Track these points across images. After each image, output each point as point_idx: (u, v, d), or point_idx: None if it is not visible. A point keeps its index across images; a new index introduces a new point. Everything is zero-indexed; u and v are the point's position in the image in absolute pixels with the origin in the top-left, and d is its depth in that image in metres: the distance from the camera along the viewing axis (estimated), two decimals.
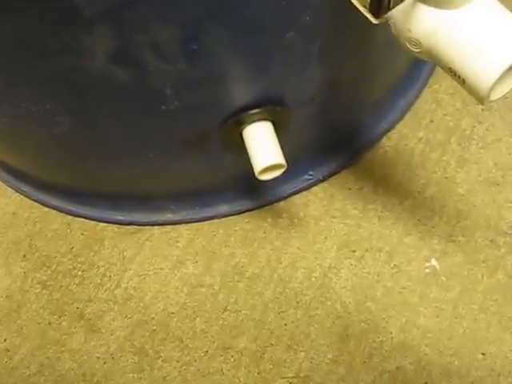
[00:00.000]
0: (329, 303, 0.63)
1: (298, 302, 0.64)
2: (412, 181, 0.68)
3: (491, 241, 0.65)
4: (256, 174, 0.51)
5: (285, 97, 0.51)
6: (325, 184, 0.69)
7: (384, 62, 0.58)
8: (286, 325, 0.63)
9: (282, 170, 0.52)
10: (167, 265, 0.67)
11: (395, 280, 0.64)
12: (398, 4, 0.35)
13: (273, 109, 0.50)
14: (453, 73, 0.37)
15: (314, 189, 0.68)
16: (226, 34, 0.41)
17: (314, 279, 0.64)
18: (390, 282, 0.64)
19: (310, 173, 0.67)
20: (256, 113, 0.50)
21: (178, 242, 0.68)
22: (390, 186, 0.68)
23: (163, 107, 0.46)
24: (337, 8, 0.44)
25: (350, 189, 0.68)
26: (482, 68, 0.35)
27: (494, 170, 0.68)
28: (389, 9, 0.34)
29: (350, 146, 0.68)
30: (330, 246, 0.66)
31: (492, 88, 0.35)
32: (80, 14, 0.37)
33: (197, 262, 0.67)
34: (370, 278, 0.64)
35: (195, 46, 0.41)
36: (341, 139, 0.67)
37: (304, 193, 0.68)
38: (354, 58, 0.52)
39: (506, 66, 0.35)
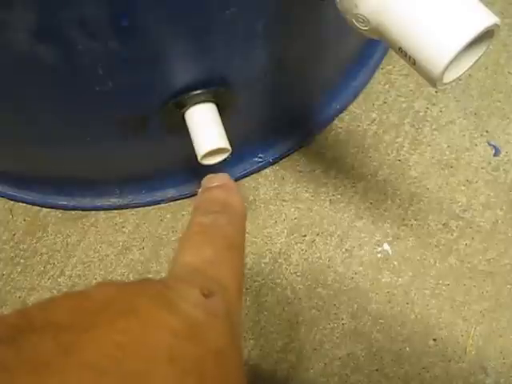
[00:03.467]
0: (279, 289, 0.62)
1: (247, 289, 0.62)
2: (364, 163, 0.66)
3: (444, 224, 0.64)
4: (199, 158, 0.48)
5: (228, 77, 0.48)
6: (275, 166, 0.67)
7: (334, 41, 0.56)
8: None
9: (226, 155, 0.50)
10: (113, 251, 0.65)
11: (346, 265, 0.62)
12: None
13: (216, 90, 0.48)
14: (403, 53, 0.35)
15: (265, 171, 0.67)
16: (159, 10, 0.39)
17: (263, 265, 0.63)
18: (341, 267, 0.62)
19: (260, 155, 0.65)
20: (197, 94, 0.48)
21: (123, 227, 0.66)
22: (342, 169, 0.66)
23: (96, 88, 0.44)
24: None
25: (301, 171, 0.66)
26: (434, 49, 0.33)
27: (447, 153, 0.67)
28: None
29: (301, 128, 0.66)
30: (280, 230, 0.64)
31: (445, 70, 0.33)
32: None
33: (143, 248, 0.64)
34: (321, 263, 0.63)
35: (126, 23, 0.38)
36: (291, 120, 0.64)
37: (254, 175, 0.66)
38: (301, 37, 0.50)
39: (461, 47, 0.32)
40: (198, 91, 0.48)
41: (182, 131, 0.50)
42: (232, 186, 0.38)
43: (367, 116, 0.68)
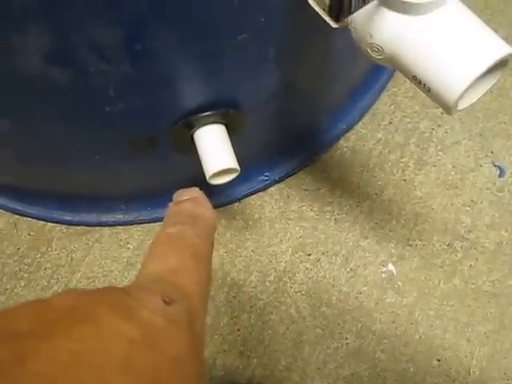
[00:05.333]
0: (283, 308, 0.62)
1: (251, 307, 0.62)
2: (370, 183, 0.67)
3: (448, 245, 0.64)
4: (207, 178, 0.49)
5: (238, 100, 0.48)
6: (281, 185, 0.67)
7: (343, 65, 0.56)
8: (238, 330, 0.61)
9: (235, 175, 0.50)
10: (117, 267, 0.65)
11: (351, 284, 0.62)
12: (359, 8, 0.33)
13: (225, 112, 0.48)
14: (417, 81, 0.35)
15: (270, 190, 0.67)
16: (172, 35, 0.39)
17: (268, 283, 0.63)
18: (345, 286, 0.62)
19: (266, 173, 0.65)
20: (207, 116, 0.48)
21: (128, 243, 0.66)
22: (348, 188, 0.66)
23: (107, 109, 0.44)
24: (293, 10, 0.42)
25: (306, 190, 0.67)
26: (449, 78, 0.33)
27: (452, 173, 0.67)
28: (350, 13, 0.32)
29: (308, 147, 0.66)
30: (285, 249, 0.64)
31: (460, 98, 0.34)
32: (10, 9, 0.35)
33: None
34: (326, 282, 0.63)
35: (139, 47, 0.39)
36: (298, 140, 0.65)
37: (260, 194, 0.67)
38: (311, 61, 0.50)
39: (475, 77, 0.33)
40: (208, 113, 0.48)
41: (190, 151, 0.50)
42: (202, 199, 0.38)
43: (373, 136, 0.69)
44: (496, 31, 0.69)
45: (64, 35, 0.37)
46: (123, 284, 0.64)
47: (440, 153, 0.68)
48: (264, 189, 0.66)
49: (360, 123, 0.69)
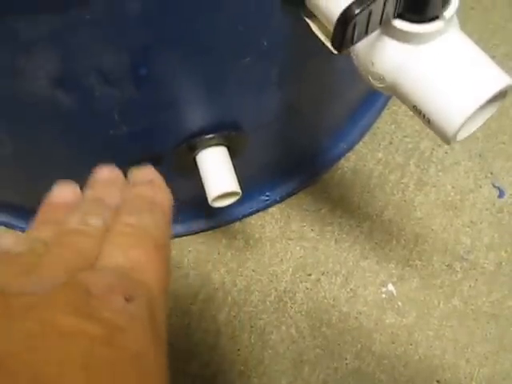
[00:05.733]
0: (283, 328, 0.62)
1: (252, 327, 0.62)
2: (370, 203, 0.67)
3: (448, 265, 0.64)
4: (209, 201, 0.49)
5: (240, 122, 0.49)
6: (282, 205, 0.67)
7: (344, 86, 0.57)
8: (239, 350, 0.61)
9: (236, 198, 0.50)
10: None
11: (351, 305, 0.63)
12: (362, 39, 0.33)
13: (228, 134, 0.49)
14: (417, 111, 0.35)
15: (271, 209, 0.67)
16: (176, 60, 0.40)
17: (268, 303, 0.63)
18: (345, 306, 0.63)
19: (267, 193, 0.65)
20: (210, 138, 0.48)
21: None
22: (348, 208, 0.67)
23: (111, 132, 0.44)
24: (296, 34, 0.42)
25: (307, 210, 0.67)
26: (449, 110, 0.34)
27: (452, 194, 0.67)
28: (352, 43, 0.33)
29: (308, 167, 0.67)
30: (285, 268, 0.64)
31: (459, 130, 0.34)
32: (18, 36, 0.35)
33: None
34: (326, 302, 0.63)
35: (144, 72, 0.39)
36: (299, 160, 0.65)
37: (260, 213, 0.67)
38: (312, 84, 0.51)
39: (475, 109, 0.33)
40: (211, 135, 0.48)
41: (192, 172, 0.51)
42: (159, 182, 0.37)
43: (373, 156, 0.69)
44: (498, 47, 0.70)
45: (70, 60, 0.37)
46: None
47: (440, 173, 0.68)
48: (265, 209, 0.67)
49: (360, 143, 0.70)
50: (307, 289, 0.63)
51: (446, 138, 0.34)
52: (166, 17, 0.36)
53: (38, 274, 0.28)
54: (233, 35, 0.41)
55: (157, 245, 0.31)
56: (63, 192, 0.38)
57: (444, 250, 0.65)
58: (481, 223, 0.66)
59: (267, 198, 0.66)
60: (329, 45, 0.38)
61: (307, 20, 0.39)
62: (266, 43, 0.42)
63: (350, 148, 0.68)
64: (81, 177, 0.53)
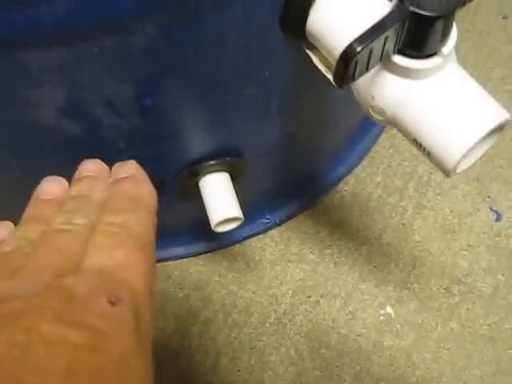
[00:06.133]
0: (283, 349, 0.63)
1: (252, 348, 0.63)
2: (369, 226, 0.68)
3: (446, 288, 0.65)
4: (212, 226, 0.50)
5: (242, 149, 0.50)
6: (282, 227, 0.68)
7: (343, 113, 0.58)
8: (239, 371, 0.62)
9: (239, 223, 0.51)
10: None
11: (350, 327, 0.63)
12: (362, 74, 0.34)
13: (229, 160, 0.50)
14: (417, 144, 0.36)
15: (271, 232, 0.68)
16: (181, 91, 0.41)
17: (268, 325, 0.64)
18: (344, 328, 0.63)
19: (267, 216, 0.66)
20: (212, 164, 0.49)
21: None
22: (347, 231, 0.68)
23: (116, 159, 0.45)
24: (297, 65, 0.43)
25: (306, 233, 0.68)
26: (448, 144, 0.35)
27: (450, 217, 0.68)
28: (353, 79, 0.34)
29: (308, 191, 0.67)
30: (285, 291, 0.65)
31: (459, 163, 0.35)
32: (27, 67, 0.36)
33: None
34: (325, 324, 0.64)
35: (149, 102, 0.40)
36: (298, 184, 0.66)
37: (260, 236, 0.68)
38: (312, 112, 0.52)
39: (473, 143, 0.34)
40: (213, 162, 0.49)
41: (194, 196, 0.51)
42: (141, 176, 0.36)
43: (372, 179, 0.70)
44: (493, 70, 0.71)
45: (78, 91, 0.38)
46: None
47: (438, 197, 0.69)
48: (265, 231, 0.67)
49: (359, 166, 0.71)
50: (306, 311, 0.64)
51: (445, 171, 0.35)
52: (171, 51, 0.37)
53: (24, 275, 0.28)
54: (236, 68, 0.42)
55: (141, 244, 0.30)
56: (51, 187, 0.37)
57: (442, 273, 0.65)
58: (478, 247, 0.67)
59: (267, 220, 0.67)
60: (329, 77, 0.39)
61: (308, 52, 0.40)
62: (267, 73, 0.43)
63: (348, 171, 0.69)
64: None
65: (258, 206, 0.65)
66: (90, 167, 0.38)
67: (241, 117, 0.46)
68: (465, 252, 0.67)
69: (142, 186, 0.36)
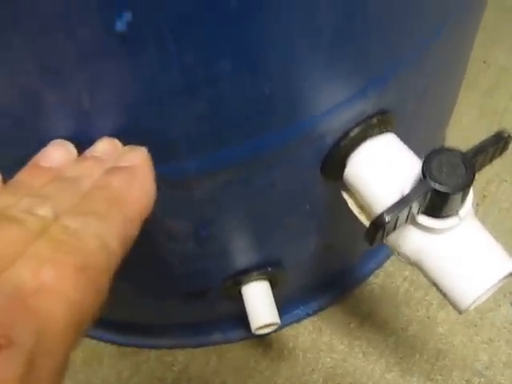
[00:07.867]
0: None
1: None
2: (396, 318, 0.72)
3: (467, 381, 0.69)
4: (252, 330, 0.55)
5: (281, 261, 0.56)
6: (314, 318, 0.73)
7: None
8: None
9: (276, 327, 0.56)
10: None
11: None
12: (390, 233, 0.39)
13: (270, 271, 0.55)
14: (436, 286, 0.42)
15: (304, 322, 0.73)
16: (233, 225, 0.47)
17: None
18: None
19: (301, 308, 0.71)
20: (254, 274, 0.55)
21: (173, 365, 0.72)
22: (376, 323, 0.72)
23: (170, 272, 0.51)
24: (335, 199, 0.49)
25: (337, 323, 0.73)
26: (461, 289, 0.40)
27: (472, 312, 0.72)
28: (382, 241, 0.39)
29: (340, 284, 0.73)
30: (316, 378, 0.70)
31: (470, 306, 0.40)
32: None
33: None
34: None
35: (204, 234, 0.46)
36: (331, 278, 0.71)
37: (294, 325, 0.73)
38: (347, 227, 0.57)
39: (484, 290, 0.39)
40: (255, 272, 0.55)
41: (236, 299, 0.57)
42: (142, 171, 0.30)
43: (400, 274, 0.75)
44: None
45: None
46: None
47: None
48: (298, 321, 0.72)
49: (388, 261, 0.76)
50: None
51: (459, 310, 0.41)
52: (230, 197, 0.43)
53: None
54: (281, 204, 0.47)
55: (84, 265, 0.25)
56: (54, 153, 0.32)
57: (463, 366, 0.70)
58: (498, 341, 0.71)
59: (301, 311, 0.72)
60: (361, 219, 0.44)
61: (344, 194, 0.46)
62: (308, 206, 0.49)
63: (378, 266, 0.74)
64: (139, 302, 0.60)
65: (292, 299, 0.70)
66: (101, 148, 0.32)
67: (282, 237, 0.52)
68: (485, 346, 0.71)
69: (136, 183, 0.30)
